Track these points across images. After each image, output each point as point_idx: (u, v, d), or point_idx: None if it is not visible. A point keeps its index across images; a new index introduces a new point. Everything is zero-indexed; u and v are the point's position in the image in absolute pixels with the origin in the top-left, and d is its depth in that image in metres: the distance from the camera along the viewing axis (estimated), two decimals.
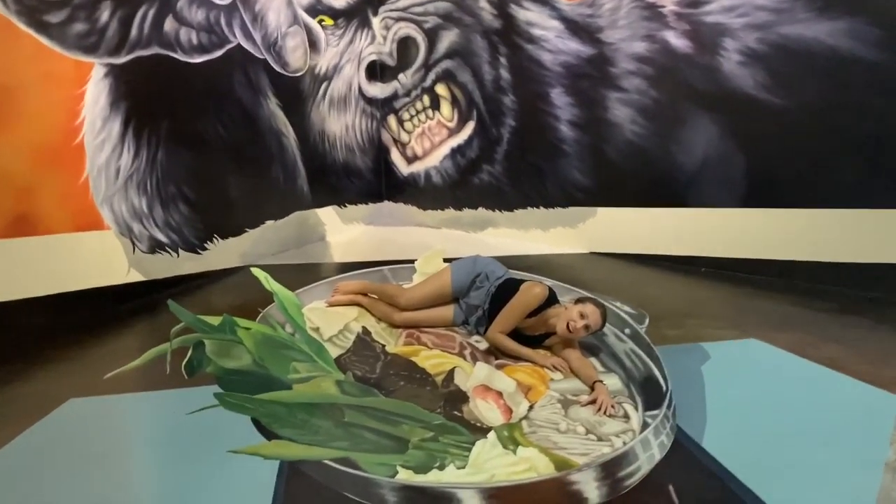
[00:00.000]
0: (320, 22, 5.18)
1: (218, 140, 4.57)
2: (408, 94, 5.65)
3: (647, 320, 3.89)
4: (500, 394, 3.13)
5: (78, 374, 3.43)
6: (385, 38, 5.57)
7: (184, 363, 3.41)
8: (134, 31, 4.00)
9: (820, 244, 4.34)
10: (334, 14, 5.35)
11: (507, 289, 3.61)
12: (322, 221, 5.46)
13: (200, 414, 2.98)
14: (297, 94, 5.10)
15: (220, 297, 4.41)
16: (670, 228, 4.80)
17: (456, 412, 2.99)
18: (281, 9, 4.86)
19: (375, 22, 5.58)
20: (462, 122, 5.47)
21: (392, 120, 5.79)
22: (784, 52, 4.22)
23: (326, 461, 2.63)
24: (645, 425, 2.88)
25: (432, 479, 2.53)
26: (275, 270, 4.76)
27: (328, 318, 3.93)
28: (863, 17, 3.95)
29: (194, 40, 4.31)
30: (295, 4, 5.01)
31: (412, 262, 4.88)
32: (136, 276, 4.20)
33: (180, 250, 4.43)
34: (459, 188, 5.60)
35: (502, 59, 5.17)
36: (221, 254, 4.68)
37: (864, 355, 3.51)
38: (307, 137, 5.17)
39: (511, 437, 2.80)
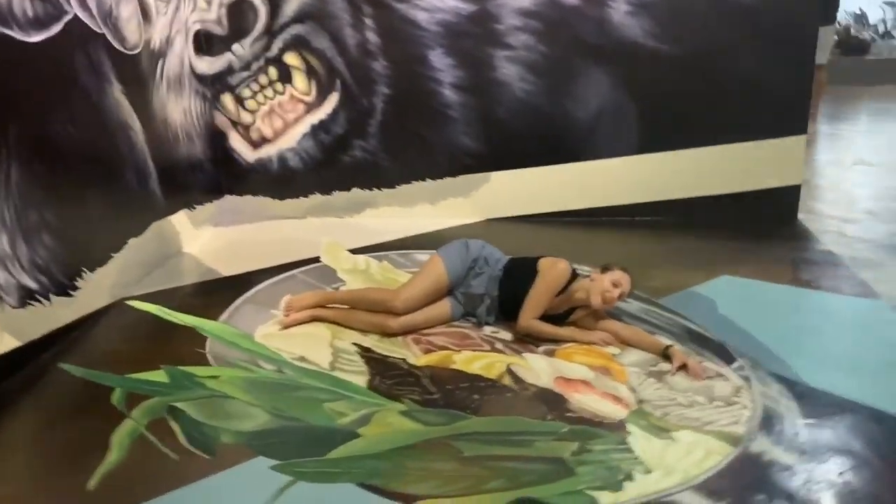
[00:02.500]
0: None
1: (70, 143, 3.44)
2: (247, 67, 4.80)
3: None
4: (586, 383, 2.88)
5: (36, 496, 2.40)
6: (210, 2, 4.65)
7: (184, 441, 2.58)
8: None
9: (710, 179, 4.69)
10: None
11: (517, 271, 3.31)
12: (177, 230, 4.47)
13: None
14: (137, 75, 4.03)
15: (114, 345, 3.42)
16: (568, 184, 4.81)
17: (569, 414, 2.68)
18: None
19: None
20: (322, 95, 4.82)
21: (228, 99, 4.89)
22: (669, 1, 4.40)
23: None
24: (745, 380, 2.87)
25: (637, 494, 2.23)
26: (153, 299, 3.83)
27: (304, 344, 3.27)
28: None
29: (29, 12, 3.16)
30: None
31: (315, 260, 4.27)
32: (9, 343, 3.05)
33: (51, 295, 3.30)
34: (325, 169, 4.97)
35: (367, 21, 4.63)
36: (92, 291, 3.59)
37: (813, 271, 3.89)
38: (152, 128, 4.15)
39: (654, 425, 2.59)
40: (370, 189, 4.97)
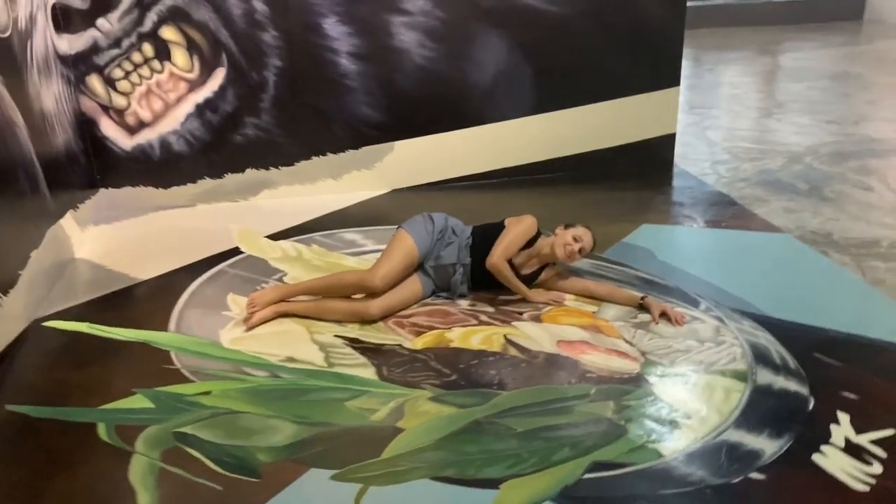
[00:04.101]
0: None
1: None
2: (117, 44, 4.25)
3: None
4: (586, 343, 3.03)
5: None
6: None
7: (216, 467, 2.38)
8: None
9: (598, 134, 4.99)
10: None
11: (486, 236, 3.37)
12: (67, 234, 3.94)
13: None
14: (11, 62, 3.44)
15: (58, 374, 3.00)
16: (471, 148, 4.87)
17: (589, 374, 2.82)
18: None
19: None
20: (207, 71, 4.41)
21: (96, 81, 4.32)
22: None
23: (586, 476, 2.28)
24: (718, 320, 3.17)
25: (691, 439, 2.43)
26: (71, 317, 3.41)
27: (283, 344, 3.12)
28: None
29: None
30: None
31: (235, 252, 3.99)
32: None
33: None
34: (215, 151, 4.58)
35: None
36: (8, 317, 3.12)
37: (715, 212, 4.31)
38: (32, 122, 3.60)
39: (668, 374, 2.80)
40: (266, 168, 4.70)
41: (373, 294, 3.21)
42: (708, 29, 12.26)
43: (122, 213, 4.58)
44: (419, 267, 3.38)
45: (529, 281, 3.41)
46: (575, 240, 3.29)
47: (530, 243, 3.35)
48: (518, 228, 3.30)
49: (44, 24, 3.92)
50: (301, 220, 4.45)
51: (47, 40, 3.95)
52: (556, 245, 3.29)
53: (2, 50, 3.36)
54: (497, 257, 3.27)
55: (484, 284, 3.38)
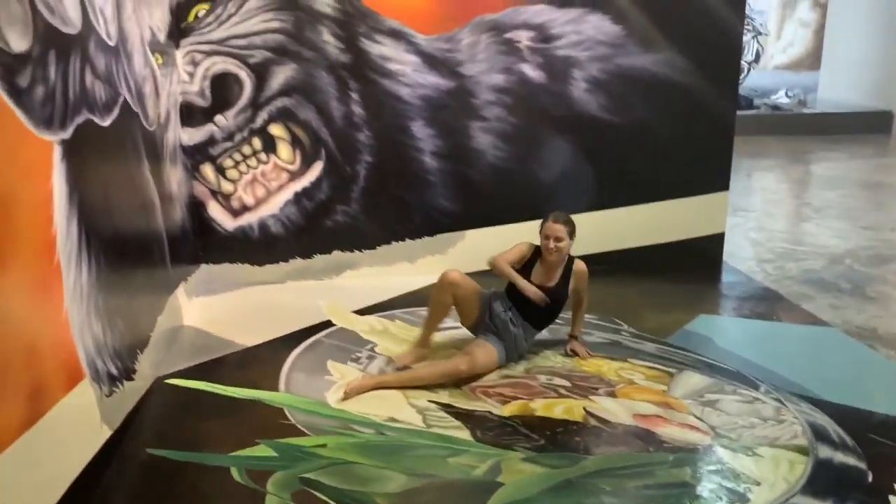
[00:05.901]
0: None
1: (124, 223, 3.42)
2: (230, 137, 4.83)
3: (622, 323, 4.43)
4: (661, 417, 3.36)
5: None
6: (192, 75, 4.66)
7: None
8: (71, 90, 2.79)
9: (651, 231, 5.42)
10: (161, 49, 4.28)
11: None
12: (180, 303, 4.40)
13: None
14: (154, 151, 3.99)
15: (188, 424, 3.38)
16: (534, 239, 5.31)
17: (666, 444, 3.14)
18: (139, 47, 3.79)
19: (178, 56, 4.62)
20: (307, 164, 4.96)
21: (208, 169, 4.88)
22: (620, 79, 5.09)
23: None
24: (777, 401, 3.50)
25: (765, 500, 2.73)
26: (188, 375, 3.81)
27: (385, 405, 3.47)
28: (674, 51, 5.07)
29: (103, 96, 3.16)
30: (144, 40, 3.92)
31: (327, 324, 4.41)
32: (105, 433, 2.99)
33: (123, 381, 3.24)
34: (307, 234, 5.09)
35: (353, 95, 4.88)
36: (141, 374, 3.53)
37: (764, 306, 4.68)
38: (164, 203, 4.12)
39: (736, 446, 3.11)
40: (351, 251, 5.17)
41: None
42: (741, 137, 12.86)
43: (220, 286, 5.04)
44: (486, 326, 3.85)
45: (562, 290, 3.87)
46: (546, 237, 3.74)
47: (539, 258, 3.83)
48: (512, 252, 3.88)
49: (175, 119, 4.49)
50: (381, 299, 4.87)
51: (176, 133, 4.52)
52: (544, 251, 3.76)
53: (149, 141, 3.90)
54: (494, 260, 3.86)
55: (536, 317, 3.88)
